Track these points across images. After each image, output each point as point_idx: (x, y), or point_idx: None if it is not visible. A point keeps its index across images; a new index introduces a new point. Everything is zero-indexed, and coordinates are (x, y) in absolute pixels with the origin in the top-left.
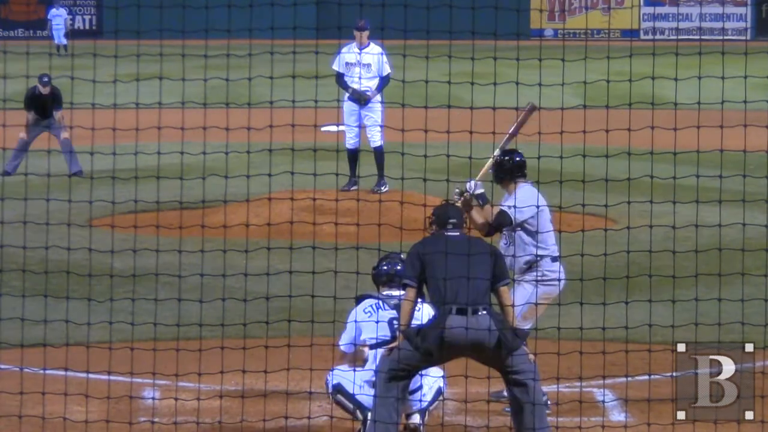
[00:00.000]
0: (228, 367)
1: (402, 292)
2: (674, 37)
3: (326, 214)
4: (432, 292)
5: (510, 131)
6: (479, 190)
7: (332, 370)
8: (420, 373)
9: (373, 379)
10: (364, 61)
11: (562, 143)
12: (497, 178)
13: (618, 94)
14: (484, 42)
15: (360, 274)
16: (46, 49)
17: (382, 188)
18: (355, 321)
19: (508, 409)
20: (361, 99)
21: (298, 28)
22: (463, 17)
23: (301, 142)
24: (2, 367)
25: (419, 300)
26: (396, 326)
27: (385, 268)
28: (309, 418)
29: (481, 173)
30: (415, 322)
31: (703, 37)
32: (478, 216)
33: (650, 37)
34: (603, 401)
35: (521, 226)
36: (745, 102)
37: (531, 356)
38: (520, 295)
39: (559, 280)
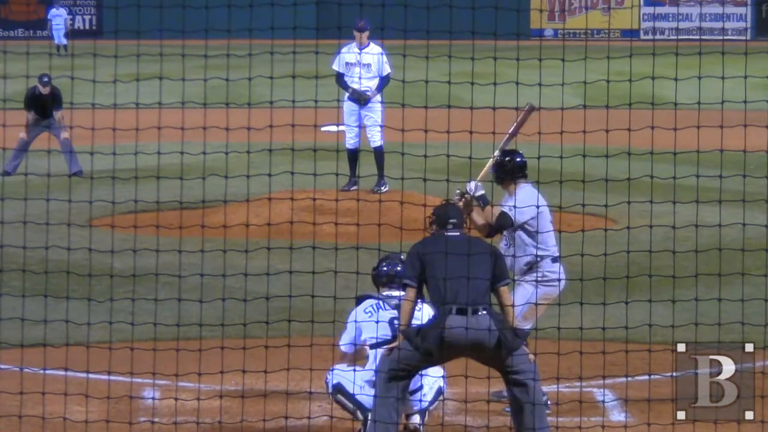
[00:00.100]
0: (228, 367)
1: (402, 293)
2: (674, 37)
3: (326, 214)
4: (432, 292)
5: (509, 131)
6: (480, 192)
7: (332, 369)
8: (420, 373)
9: (373, 379)
10: (364, 61)
11: (562, 143)
12: (498, 179)
13: (618, 94)
14: (484, 42)
15: (360, 274)
16: (46, 49)
17: (382, 188)
18: (356, 321)
19: (508, 409)
20: (361, 99)
21: (298, 28)
22: (463, 17)
23: (301, 142)
24: (2, 367)
25: (419, 300)
26: (397, 325)
27: (385, 268)
28: (309, 418)
29: (481, 174)
30: (415, 322)
31: (703, 37)
32: (478, 217)
33: (650, 37)
34: (603, 401)
35: (522, 227)
36: (745, 102)
37: (531, 356)
38: (521, 296)
39: (559, 280)
